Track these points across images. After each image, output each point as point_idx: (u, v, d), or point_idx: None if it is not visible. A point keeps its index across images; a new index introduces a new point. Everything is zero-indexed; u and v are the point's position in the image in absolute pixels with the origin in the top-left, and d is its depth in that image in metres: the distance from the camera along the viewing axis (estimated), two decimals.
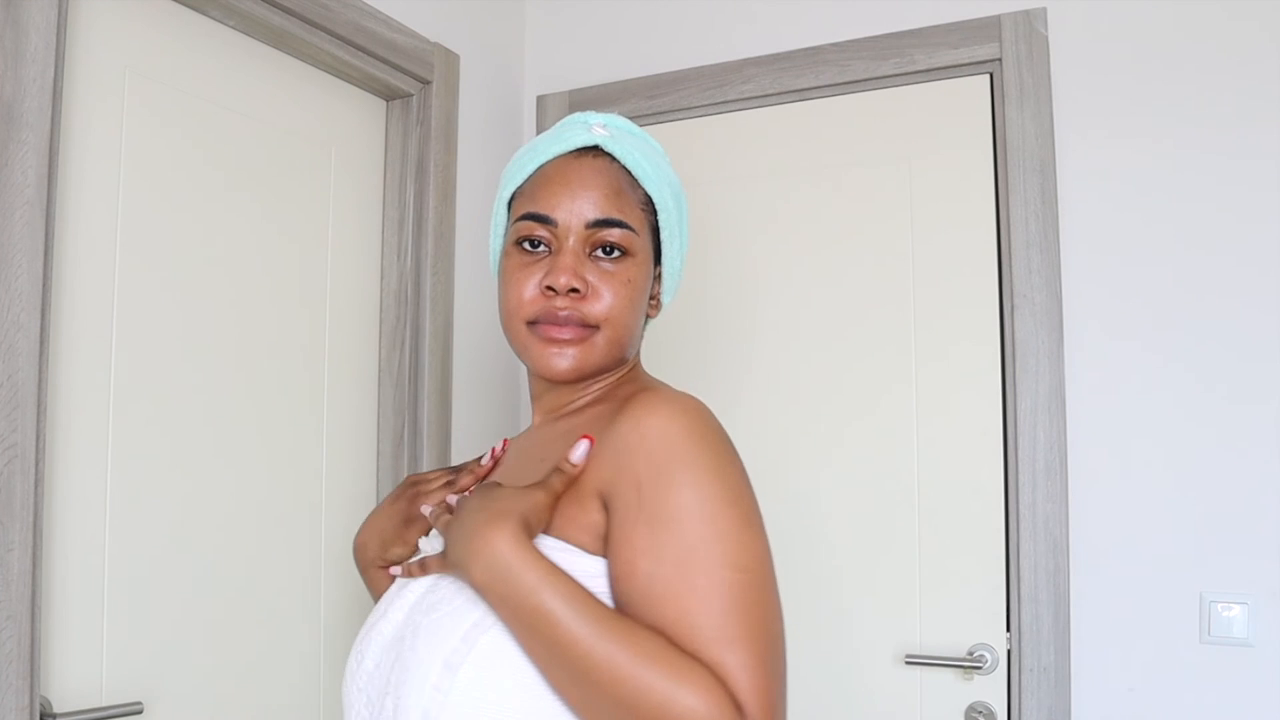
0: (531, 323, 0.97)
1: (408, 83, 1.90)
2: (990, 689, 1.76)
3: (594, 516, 0.88)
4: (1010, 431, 1.79)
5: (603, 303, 0.96)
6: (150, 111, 1.50)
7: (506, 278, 0.99)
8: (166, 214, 1.52)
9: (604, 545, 0.87)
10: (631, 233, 0.97)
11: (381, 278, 1.93)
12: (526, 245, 0.98)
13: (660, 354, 1.97)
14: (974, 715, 1.77)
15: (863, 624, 1.87)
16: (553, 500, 0.91)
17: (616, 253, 0.97)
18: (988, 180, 1.86)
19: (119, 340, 1.43)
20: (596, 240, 0.96)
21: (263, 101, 1.69)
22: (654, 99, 2.11)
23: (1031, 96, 1.80)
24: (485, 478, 0.97)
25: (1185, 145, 1.72)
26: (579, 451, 0.92)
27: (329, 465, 1.79)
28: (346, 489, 1.82)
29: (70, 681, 1.33)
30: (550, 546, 0.88)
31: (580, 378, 0.98)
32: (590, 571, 0.87)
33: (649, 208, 1.00)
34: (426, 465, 1.87)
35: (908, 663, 1.80)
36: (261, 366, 1.66)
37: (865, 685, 1.85)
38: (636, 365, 1.06)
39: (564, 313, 0.95)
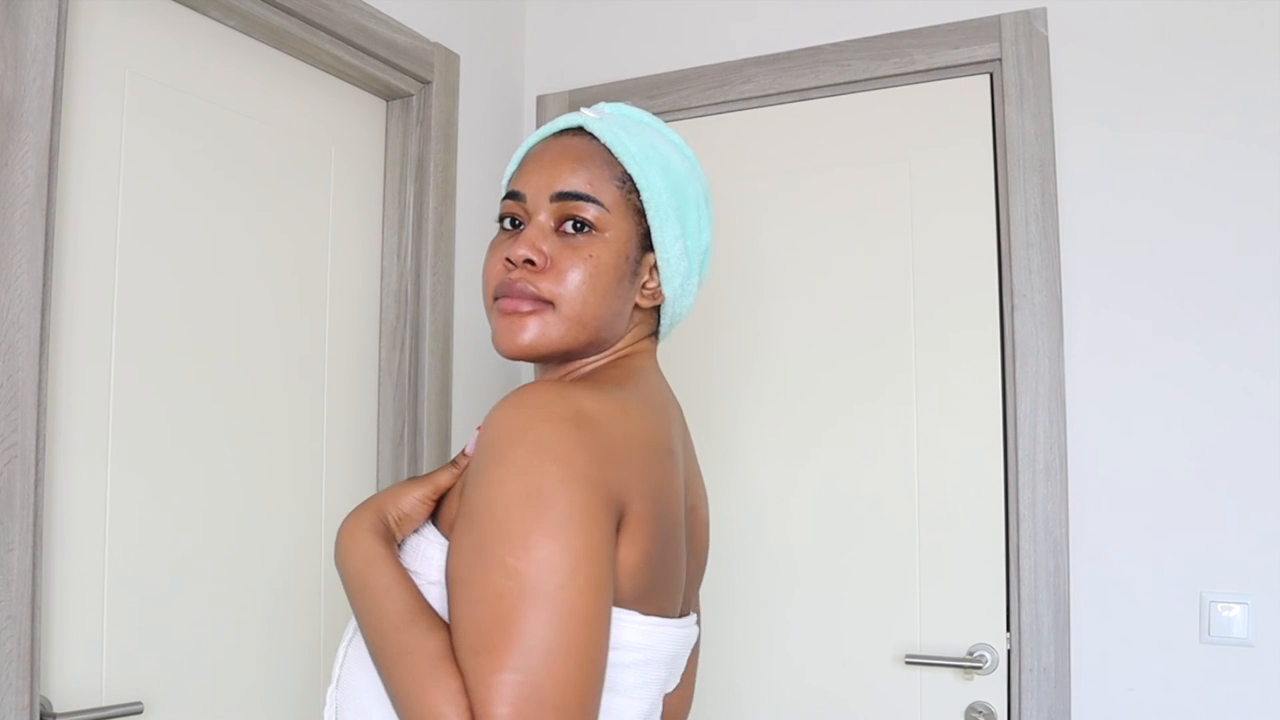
0: (496, 298, 0.95)
1: (408, 83, 1.90)
2: (990, 689, 1.76)
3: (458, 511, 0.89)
4: (1010, 431, 1.79)
5: (558, 277, 0.92)
6: (150, 111, 1.50)
7: (486, 257, 0.99)
8: (166, 214, 1.52)
9: None
10: (600, 208, 0.93)
11: (381, 278, 1.93)
12: (507, 224, 0.98)
13: (661, 352, 1.97)
14: (974, 715, 1.77)
15: (863, 624, 1.87)
16: (431, 492, 0.93)
17: (587, 229, 0.94)
18: (988, 180, 1.86)
19: (119, 340, 1.43)
20: (562, 214, 0.94)
21: (263, 101, 1.69)
22: (654, 99, 2.11)
23: (1031, 96, 1.80)
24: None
25: (1186, 145, 1.72)
26: (471, 443, 0.93)
27: (329, 465, 1.79)
28: (346, 489, 1.82)
29: (70, 681, 1.33)
30: (426, 538, 0.91)
31: (535, 355, 0.93)
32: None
33: (629, 187, 0.96)
34: (426, 465, 1.87)
35: (908, 663, 1.80)
36: (261, 366, 1.66)
37: (865, 685, 1.85)
38: (635, 355, 1.01)
39: (518, 285, 0.92)
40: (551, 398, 0.83)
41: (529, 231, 0.94)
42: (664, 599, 0.92)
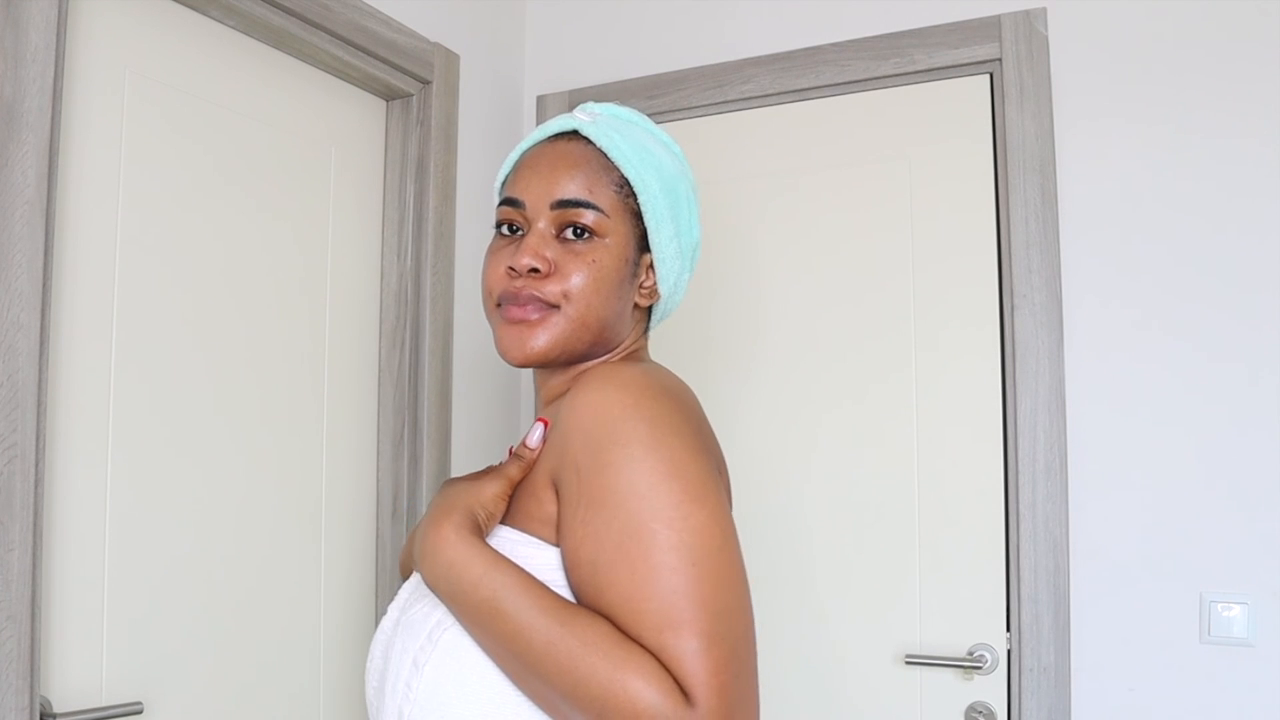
0: (499, 305, 0.97)
1: (408, 83, 1.90)
2: (990, 689, 1.76)
3: (548, 505, 0.89)
4: (1010, 431, 1.79)
5: (564, 282, 0.94)
6: (150, 111, 1.50)
7: (484, 263, 1.00)
8: (166, 214, 1.52)
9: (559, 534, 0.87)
10: (600, 214, 0.95)
11: (381, 278, 1.93)
12: (505, 230, 0.99)
13: (660, 351, 1.97)
14: (974, 715, 1.77)
15: (863, 624, 1.87)
16: (507, 488, 0.92)
17: (587, 235, 0.95)
18: (988, 180, 1.86)
19: (119, 340, 1.43)
20: (563, 221, 0.95)
21: (263, 101, 1.69)
22: (654, 99, 2.11)
23: (1031, 96, 1.80)
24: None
25: (1186, 145, 1.72)
26: (534, 436, 0.93)
27: (329, 465, 1.79)
28: (346, 488, 1.82)
29: (70, 681, 1.34)
30: (509, 539, 0.89)
31: (545, 360, 0.95)
32: (548, 563, 0.86)
33: (626, 191, 0.97)
34: (426, 465, 1.87)
35: (908, 663, 1.80)
36: (261, 366, 1.66)
37: (865, 685, 1.85)
38: (639, 351, 1.03)
39: (524, 292, 0.94)
40: (638, 374, 0.86)
41: (531, 239, 0.95)
42: None
